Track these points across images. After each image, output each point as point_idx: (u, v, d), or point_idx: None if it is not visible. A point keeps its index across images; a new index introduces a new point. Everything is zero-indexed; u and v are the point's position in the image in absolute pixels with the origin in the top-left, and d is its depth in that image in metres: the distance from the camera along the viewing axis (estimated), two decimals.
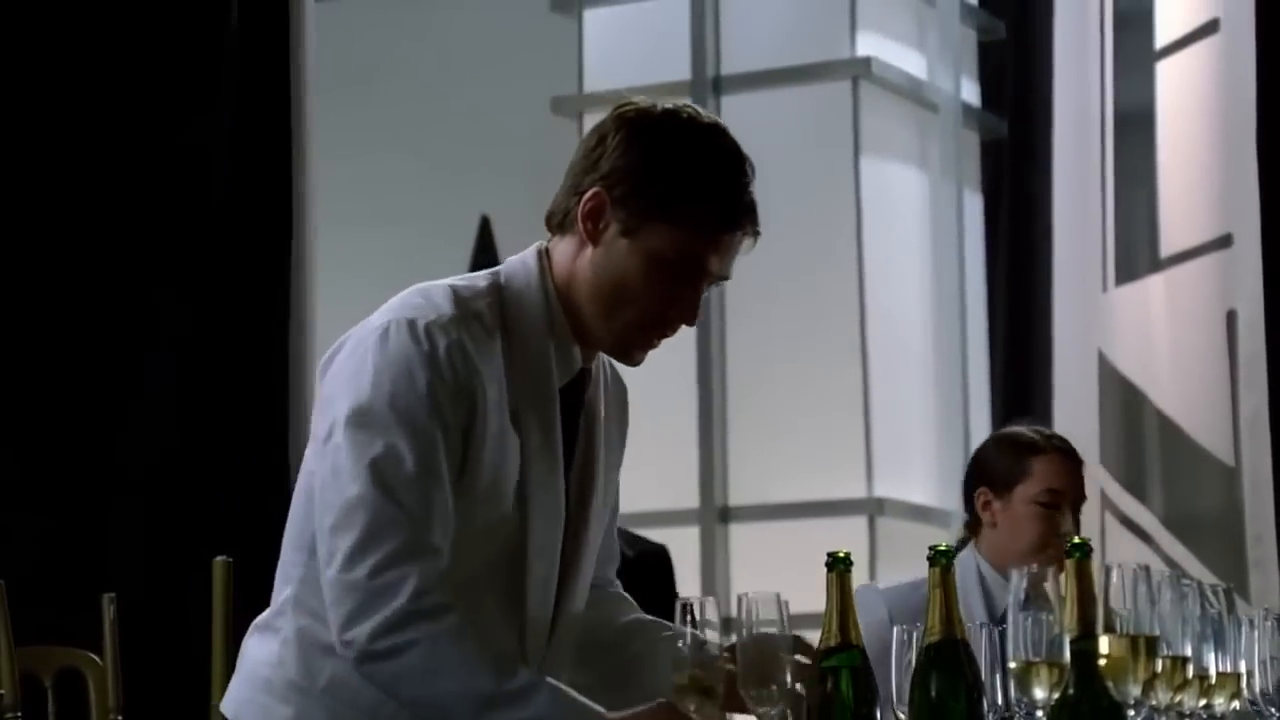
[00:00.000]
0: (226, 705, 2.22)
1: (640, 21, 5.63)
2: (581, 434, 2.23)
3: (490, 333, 2.13)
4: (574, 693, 2.05)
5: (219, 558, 3.09)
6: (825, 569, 2.15)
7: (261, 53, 4.20)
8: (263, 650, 2.18)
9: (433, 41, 6.44)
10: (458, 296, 2.13)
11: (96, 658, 3.09)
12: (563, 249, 2.19)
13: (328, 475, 2.08)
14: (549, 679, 2.05)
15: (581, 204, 2.15)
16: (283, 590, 2.18)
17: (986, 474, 3.30)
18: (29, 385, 3.98)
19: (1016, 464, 3.25)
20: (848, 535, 5.03)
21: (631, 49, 5.63)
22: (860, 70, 5.40)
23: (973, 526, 3.33)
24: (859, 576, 3.19)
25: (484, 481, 2.11)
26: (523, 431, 2.14)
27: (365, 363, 2.08)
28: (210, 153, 4.13)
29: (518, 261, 2.21)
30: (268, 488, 4.09)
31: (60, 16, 4.05)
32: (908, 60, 5.58)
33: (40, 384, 3.99)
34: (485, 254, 6.26)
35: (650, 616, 2.37)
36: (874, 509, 5.28)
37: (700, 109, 2.20)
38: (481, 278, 2.19)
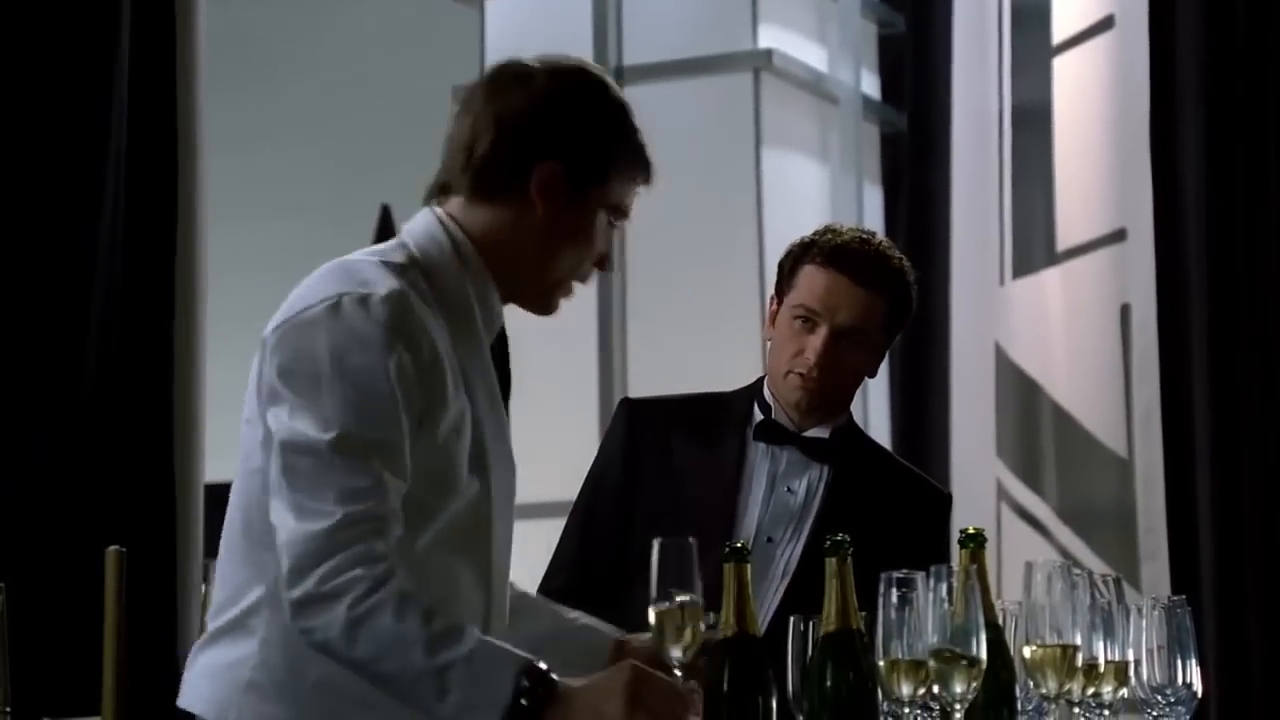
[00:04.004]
0: (200, 706, 2.18)
1: (542, 11, 5.62)
2: (510, 391, 2.30)
3: (428, 302, 2.17)
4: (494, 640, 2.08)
5: (111, 548, 3.05)
6: (722, 561, 2.17)
7: (151, 41, 4.16)
8: (235, 652, 2.16)
9: (334, 29, 6.40)
10: (391, 269, 2.17)
11: None
12: (489, 214, 2.23)
13: (287, 439, 2.09)
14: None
15: (536, 176, 2.20)
16: (251, 590, 2.16)
17: None
18: None
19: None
20: None
21: (533, 38, 5.61)
22: (761, 62, 5.42)
23: None
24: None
25: (449, 446, 2.15)
26: (472, 396, 2.19)
27: (319, 335, 2.11)
28: (99, 144, 4.08)
29: (423, 233, 2.24)
30: (154, 478, 4.05)
31: None
32: (808, 53, 5.61)
33: None
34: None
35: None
36: None
37: (588, 64, 2.31)
38: (394, 252, 2.21)
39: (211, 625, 2.21)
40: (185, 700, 2.20)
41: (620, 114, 2.27)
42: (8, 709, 3.05)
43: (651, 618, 2.07)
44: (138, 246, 4.13)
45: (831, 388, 2.84)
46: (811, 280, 2.81)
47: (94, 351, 4.06)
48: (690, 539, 2.08)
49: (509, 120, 2.21)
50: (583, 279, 2.28)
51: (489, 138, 2.21)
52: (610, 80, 2.30)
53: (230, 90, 4.77)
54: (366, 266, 2.17)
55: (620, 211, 2.28)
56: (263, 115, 5.95)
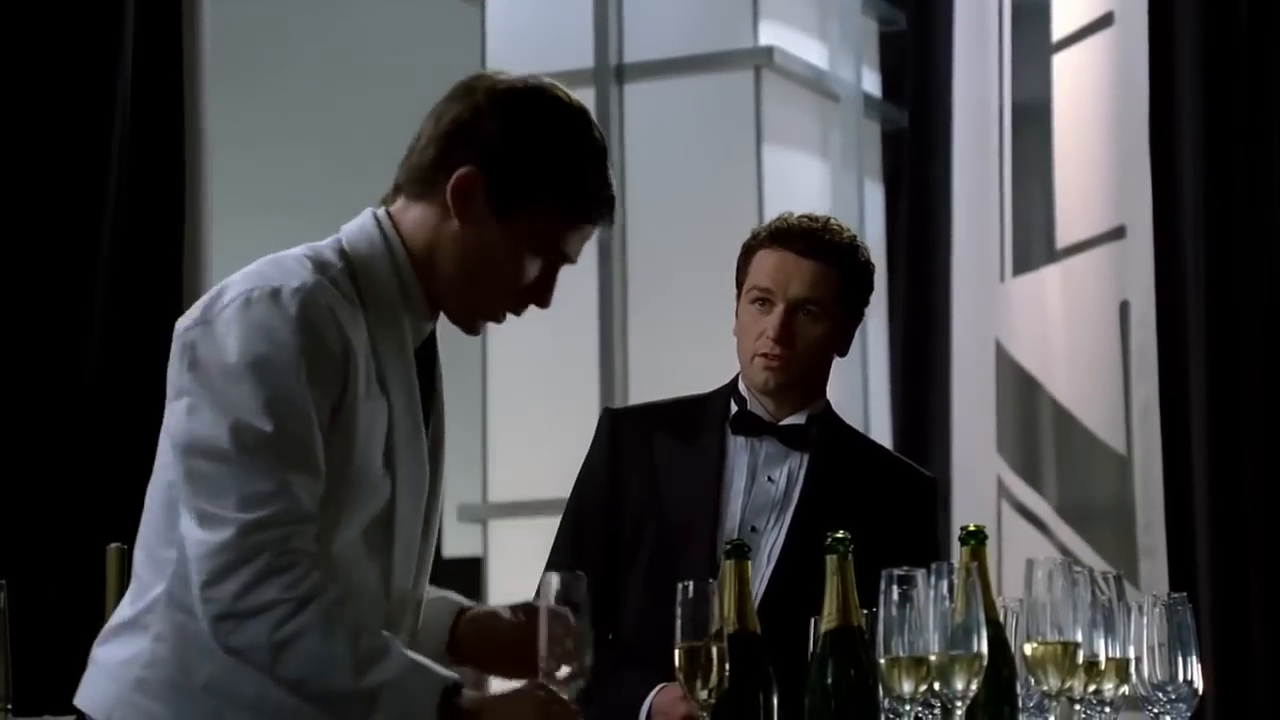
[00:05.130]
0: (89, 705, 2.16)
1: (544, 9, 5.62)
2: (436, 400, 2.26)
3: (350, 299, 2.15)
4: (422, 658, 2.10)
5: (112, 545, 3.06)
6: (724, 557, 2.17)
7: (155, 37, 4.16)
8: (129, 649, 2.14)
9: (335, 27, 6.40)
10: (314, 264, 2.14)
11: None
12: (417, 216, 2.21)
13: (189, 442, 2.07)
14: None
15: (453, 180, 2.17)
16: (151, 587, 2.14)
17: None
18: None
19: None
20: None
21: (535, 36, 5.62)
22: (762, 60, 5.42)
23: None
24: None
25: (360, 444, 2.12)
26: (389, 395, 2.16)
27: (228, 331, 2.08)
28: (103, 141, 4.08)
29: (358, 229, 2.22)
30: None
31: None
32: (809, 50, 5.61)
33: None
34: None
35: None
36: None
37: (566, 90, 2.24)
38: (326, 248, 2.20)
39: (112, 620, 2.18)
40: (79, 699, 2.18)
41: (575, 145, 2.19)
42: (9, 706, 3.05)
43: (677, 657, 2.08)
44: (142, 242, 4.14)
45: (797, 365, 2.84)
46: (762, 262, 2.86)
47: (97, 347, 4.07)
48: (712, 580, 2.10)
49: (445, 123, 2.20)
50: (514, 310, 2.22)
51: (426, 137, 2.21)
52: (581, 112, 2.21)
53: (234, 87, 4.78)
54: (290, 260, 2.15)
55: (557, 251, 2.20)
56: (265, 112, 5.95)
